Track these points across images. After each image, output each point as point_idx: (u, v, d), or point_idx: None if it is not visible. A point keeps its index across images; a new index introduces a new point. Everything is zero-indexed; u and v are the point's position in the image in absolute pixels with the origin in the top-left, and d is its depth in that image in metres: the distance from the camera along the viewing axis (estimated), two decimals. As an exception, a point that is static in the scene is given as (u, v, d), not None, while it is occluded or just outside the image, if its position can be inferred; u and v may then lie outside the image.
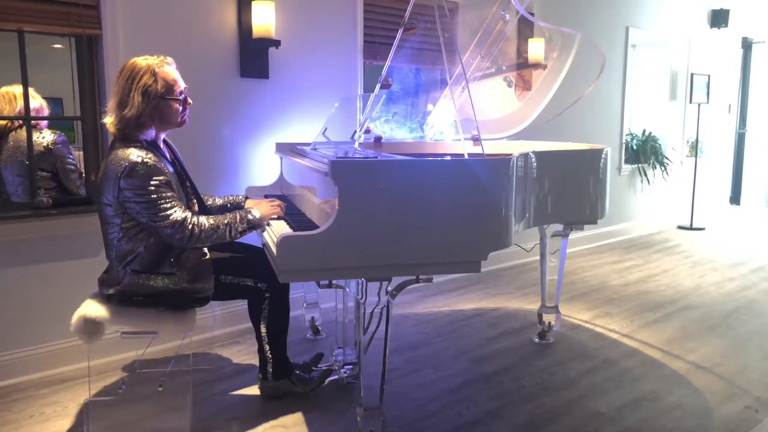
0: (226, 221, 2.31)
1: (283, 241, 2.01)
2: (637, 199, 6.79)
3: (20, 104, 2.96)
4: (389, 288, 2.21)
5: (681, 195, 7.33)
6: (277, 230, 2.35)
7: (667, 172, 6.95)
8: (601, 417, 2.60)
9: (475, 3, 4.25)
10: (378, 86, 3.06)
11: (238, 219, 2.33)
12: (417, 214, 2.11)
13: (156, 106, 2.29)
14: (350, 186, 2.04)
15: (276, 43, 3.51)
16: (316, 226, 2.37)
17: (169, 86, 2.32)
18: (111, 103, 2.30)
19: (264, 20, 3.44)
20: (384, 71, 3.06)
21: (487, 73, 3.53)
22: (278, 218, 2.53)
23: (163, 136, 2.47)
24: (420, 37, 3.21)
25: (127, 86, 2.26)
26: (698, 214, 7.33)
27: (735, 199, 8.92)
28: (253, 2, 3.43)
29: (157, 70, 2.29)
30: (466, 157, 2.34)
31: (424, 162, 2.20)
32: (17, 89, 2.96)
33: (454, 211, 2.15)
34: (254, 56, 3.54)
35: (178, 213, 2.23)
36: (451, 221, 2.15)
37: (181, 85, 2.39)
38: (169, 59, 2.38)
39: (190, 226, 2.23)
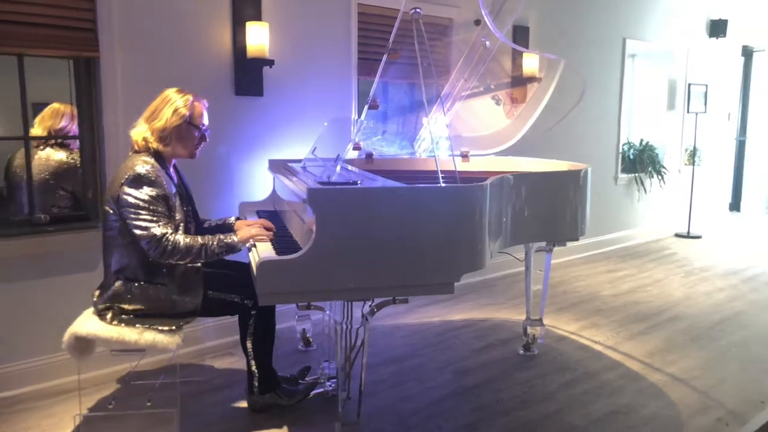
0: (201, 242, 2.43)
1: (263, 265, 2.11)
2: (634, 208, 6.85)
3: (65, 121, 3.22)
4: (365, 309, 2.31)
5: (679, 203, 7.38)
6: (260, 252, 2.45)
7: (664, 181, 7.00)
8: (575, 431, 2.69)
9: (462, 25, 4.34)
10: (366, 108, 3.16)
11: (215, 242, 2.45)
12: (392, 239, 2.20)
13: (180, 126, 2.54)
14: (327, 213, 2.14)
15: (270, 63, 3.62)
16: (299, 248, 2.48)
17: (196, 116, 2.60)
18: (141, 117, 2.58)
19: (258, 40, 3.55)
20: (371, 93, 3.16)
21: (474, 92, 3.63)
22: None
23: (174, 161, 2.68)
24: (407, 58, 3.31)
25: (161, 104, 2.56)
26: (696, 221, 7.37)
27: (735, 206, 8.95)
28: (247, 23, 3.55)
29: (191, 100, 2.59)
30: (441, 179, 2.43)
31: (399, 189, 2.29)
32: (63, 106, 3.24)
33: (428, 235, 2.25)
34: (249, 75, 3.65)
35: (157, 229, 2.38)
36: (426, 246, 2.24)
37: (206, 121, 2.65)
38: (205, 101, 2.68)
39: (164, 243, 2.37)
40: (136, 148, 2.55)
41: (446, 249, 2.27)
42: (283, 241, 2.63)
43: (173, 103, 2.53)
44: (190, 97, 2.58)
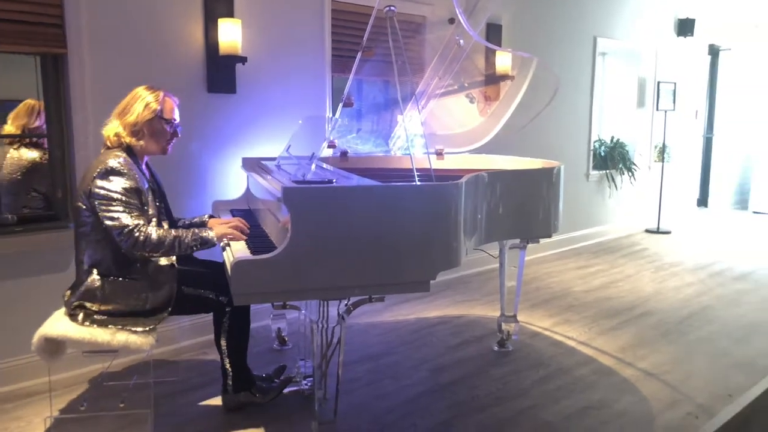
0: (174, 234, 2.42)
1: (238, 265, 2.09)
2: (605, 204, 6.95)
3: (40, 119, 3.17)
4: (341, 308, 2.31)
5: (649, 199, 7.51)
6: (235, 251, 2.43)
7: (634, 178, 7.12)
8: (549, 426, 2.72)
9: (436, 23, 4.36)
10: (340, 105, 3.15)
11: (190, 235, 2.44)
12: (368, 238, 2.20)
13: (152, 120, 2.56)
14: (302, 212, 2.13)
15: (243, 60, 3.58)
16: (274, 247, 2.46)
17: (167, 111, 2.63)
18: (113, 114, 2.59)
19: (230, 37, 3.51)
20: (346, 90, 3.15)
21: (449, 90, 3.64)
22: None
23: (146, 159, 2.68)
24: (381, 56, 3.31)
25: (132, 99, 2.58)
26: (665, 217, 7.51)
27: (702, 201, 9.14)
28: (219, 20, 3.51)
29: (162, 96, 2.61)
30: (416, 177, 2.43)
31: (375, 188, 2.29)
32: (38, 103, 3.18)
33: (404, 234, 2.25)
34: (221, 72, 3.62)
35: (128, 220, 2.37)
36: (402, 244, 2.25)
37: (177, 117, 2.67)
38: (176, 98, 2.70)
39: (136, 234, 2.36)
40: (108, 144, 2.56)
41: (422, 247, 2.28)
42: (258, 240, 2.61)
43: (144, 99, 2.55)
44: (160, 93, 2.61)
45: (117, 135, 2.53)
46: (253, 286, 2.12)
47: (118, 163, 2.42)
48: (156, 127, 2.58)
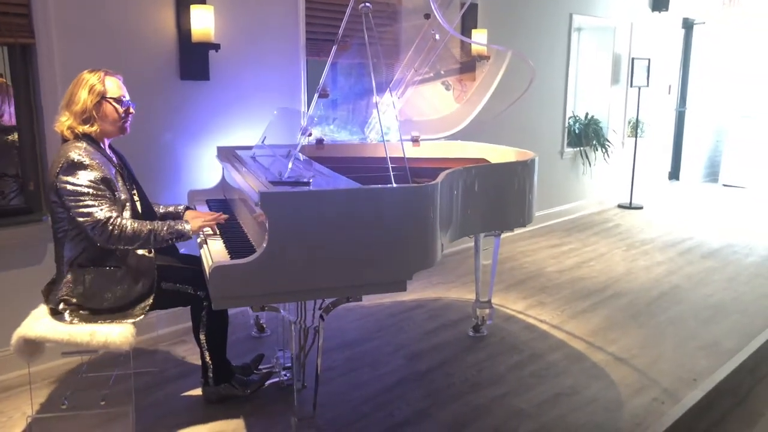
0: (149, 227, 2.43)
1: (216, 270, 2.11)
2: (579, 181, 7.04)
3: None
4: (317, 309, 2.35)
5: (622, 175, 7.62)
6: (213, 251, 2.44)
7: (608, 155, 7.20)
8: (522, 414, 2.81)
9: (411, 12, 4.31)
10: (316, 96, 3.14)
11: (165, 228, 2.45)
12: (346, 241, 2.23)
13: (99, 103, 2.48)
14: (280, 217, 2.14)
15: (216, 47, 3.54)
16: (251, 246, 2.48)
17: (113, 90, 2.53)
18: (61, 105, 2.52)
19: (203, 24, 3.46)
20: (321, 82, 3.13)
21: (425, 78, 3.64)
22: (216, 234, 2.63)
23: (108, 142, 2.62)
24: (356, 49, 3.29)
25: (76, 88, 2.49)
26: (638, 192, 7.64)
27: (674, 174, 9.29)
28: (191, 6, 3.45)
29: (103, 76, 2.52)
30: (392, 173, 2.45)
31: (353, 191, 2.31)
32: None
33: (382, 236, 2.28)
34: (194, 59, 3.57)
35: (100, 213, 2.36)
36: (379, 246, 2.28)
37: (125, 94, 2.59)
38: (119, 75, 2.60)
39: (110, 227, 2.35)
40: (65, 138, 2.50)
41: (399, 248, 2.31)
42: (235, 240, 2.61)
43: (87, 83, 2.48)
44: (101, 73, 2.52)
45: (70, 128, 2.46)
46: (232, 290, 2.14)
47: (79, 154, 2.37)
48: (105, 109, 2.50)
